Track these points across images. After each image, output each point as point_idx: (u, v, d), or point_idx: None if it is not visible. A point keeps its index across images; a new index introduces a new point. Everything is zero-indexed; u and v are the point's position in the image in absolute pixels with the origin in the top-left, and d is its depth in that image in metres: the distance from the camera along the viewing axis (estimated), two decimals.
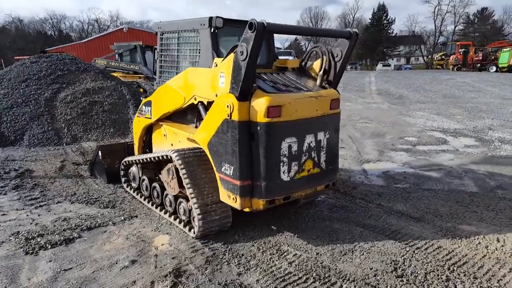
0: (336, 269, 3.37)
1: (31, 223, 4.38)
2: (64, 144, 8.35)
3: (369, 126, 10.39)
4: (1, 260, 3.59)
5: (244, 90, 3.46)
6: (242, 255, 3.66)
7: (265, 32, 3.23)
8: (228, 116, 3.57)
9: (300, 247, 3.78)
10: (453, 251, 3.65)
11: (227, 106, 3.54)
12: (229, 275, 3.31)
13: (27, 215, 4.61)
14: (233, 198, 3.69)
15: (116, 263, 3.52)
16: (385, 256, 3.57)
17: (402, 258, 3.52)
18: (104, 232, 4.18)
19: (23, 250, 3.75)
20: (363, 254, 3.63)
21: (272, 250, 3.74)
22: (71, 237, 4.03)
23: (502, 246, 3.72)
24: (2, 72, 10.25)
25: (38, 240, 3.95)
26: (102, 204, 4.95)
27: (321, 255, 3.63)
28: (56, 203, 4.99)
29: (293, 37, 70.84)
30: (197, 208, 3.85)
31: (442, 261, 3.46)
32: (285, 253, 3.67)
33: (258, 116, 3.47)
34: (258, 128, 3.49)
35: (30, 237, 4.00)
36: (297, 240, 3.94)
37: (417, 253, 3.59)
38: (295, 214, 4.57)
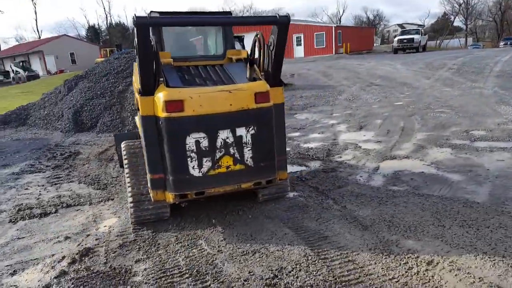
0: (219, 269, 3.35)
1: (35, 198, 5.42)
2: (126, 131, 9.66)
3: (441, 117, 9.08)
4: None
5: (144, 85, 3.65)
6: (159, 244, 3.90)
7: (147, 26, 3.33)
8: (138, 111, 3.82)
9: (212, 243, 3.83)
10: (362, 267, 3.21)
11: (136, 101, 3.79)
12: (128, 261, 3.61)
13: (40, 191, 5.69)
14: (150, 190, 3.95)
15: (57, 238, 4.17)
16: (279, 261, 3.37)
17: (293, 266, 3.27)
18: (76, 210, 4.92)
19: (9, 219, 4.73)
20: (261, 256, 3.49)
21: (186, 242, 3.88)
22: (49, 212, 4.88)
23: (427, 270, 3.10)
24: (92, 67, 12.25)
25: (26, 212, 4.91)
26: (98, 186, 5.75)
27: (221, 253, 3.62)
28: (68, 183, 6.00)
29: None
30: (130, 197, 4.22)
31: (334, 276, 3.10)
32: (193, 247, 3.77)
33: (159, 111, 3.63)
34: (160, 122, 3.65)
35: (22, 209, 4.99)
36: (218, 235, 3.98)
37: (315, 264, 3.28)
38: (246, 209, 4.55)
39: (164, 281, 3.22)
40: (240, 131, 3.83)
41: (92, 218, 4.62)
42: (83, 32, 73.31)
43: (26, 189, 5.86)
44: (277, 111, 4.14)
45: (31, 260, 3.75)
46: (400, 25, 78.35)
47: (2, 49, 61.51)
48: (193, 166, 3.75)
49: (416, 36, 29.97)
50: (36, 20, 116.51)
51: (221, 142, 3.79)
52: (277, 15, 3.74)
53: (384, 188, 5.00)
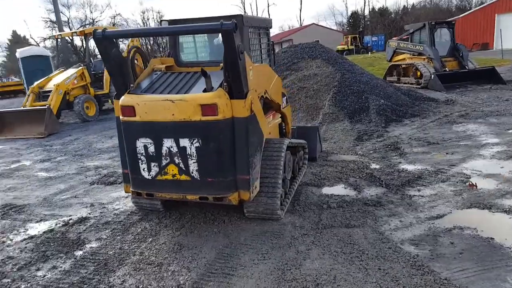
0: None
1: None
2: None
3: None
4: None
5: (116, 90, 4.19)
6: (129, 230, 4.49)
7: (101, 40, 3.83)
8: None
9: (157, 240, 4.10)
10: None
11: None
12: (81, 247, 4.40)
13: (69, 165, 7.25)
14: None
15: (84, 209, 5.39)
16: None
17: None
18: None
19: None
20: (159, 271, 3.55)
21: (145, 234, 4.31)
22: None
23: None
24: None
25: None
26: None
27: (144, 242, 3.88)
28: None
29: None
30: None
31: None
32: (144, 239, 4.17)
33: (120, 114, 4.12)
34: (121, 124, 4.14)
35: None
36: (172, 236, 4.19)
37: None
38: (226, 222, 4.48)
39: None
40: (184, 142, 3.85)
41: (124, 195, 5.60)
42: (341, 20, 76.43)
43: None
44: (239, 125, 3.86)
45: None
46: None
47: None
48: (144, 169, 4.07)
49: None
50: (300, 11, 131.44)
51: (166, 150, 3.93)
52: (221, 22, 3.47)
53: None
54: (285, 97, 6.02)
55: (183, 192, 4.03)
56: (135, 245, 4.10)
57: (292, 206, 4.78)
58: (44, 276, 3.64)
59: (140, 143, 4.00)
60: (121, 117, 4.06)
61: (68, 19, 50.98)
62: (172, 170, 3.96)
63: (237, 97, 3.84)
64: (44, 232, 4.58)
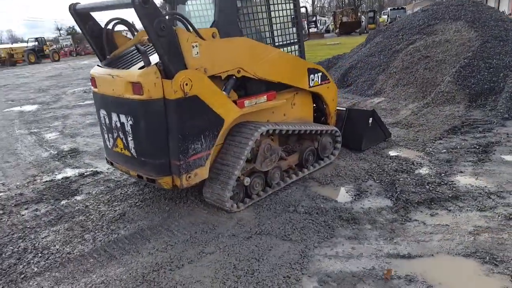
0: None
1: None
2: (363, 95, 9.32)
3: None
4: None
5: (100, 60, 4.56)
6: (115, 194, 5.04)
7: (75, 14, 4.19)
8: None
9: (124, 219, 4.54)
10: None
11: None
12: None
13: None
14: None
15: None
16: None
17: None
18: None
19: None
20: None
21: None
22: None
23: None
24: (400, 21, 11.47)
25: None
26: None
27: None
28: None
29: None
30: None
31: None
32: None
33: None
34: None
35: None
36: (142, 213, 4.54)
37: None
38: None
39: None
40: (122, 118, 3.96)
41: None
42: None
43: None
44: (170, 108, 3.72)
45: None
46: None
47: None
48: (106, 138, 4.41)
49: None
50: None
51: (114, 124, 4.13)
52: None
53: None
54: (319, 74, 5.26)
55: (127, 167, 4.21)
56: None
57: (263, 201, 4.38)
58: (24, 214, 4.52)
59: (101, 114, 4.31)
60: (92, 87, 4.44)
61: None
62: (119, 144, 4.16)
63: (167, 77, 3.66)
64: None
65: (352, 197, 4.37)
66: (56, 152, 6.85)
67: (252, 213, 4.15)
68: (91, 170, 5.79)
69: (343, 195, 4.45)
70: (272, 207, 4.25)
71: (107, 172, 5.64)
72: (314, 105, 5.61)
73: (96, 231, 4.01)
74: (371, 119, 5.73)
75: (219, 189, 4.13)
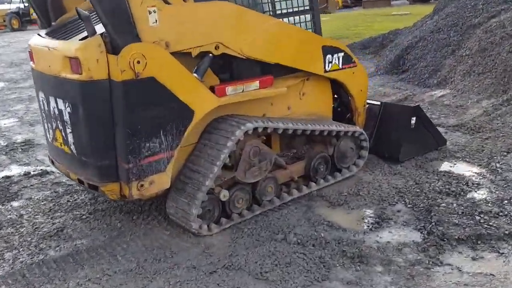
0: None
1: None
2: (422, 85, 9.01)
3: None
4: None
5: None
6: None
7: None
8: None
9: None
10: None
11: None
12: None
13: None
14: None
15: None
16: None
17: None
18: None
19: None
20: None
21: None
22: None
23: None
24: None
25: None
26: None
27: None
28: None
29: None
30: None
31: None
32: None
33: None
34: None
35: None
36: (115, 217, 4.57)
37: None
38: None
39: None
40: (60, 104, 3.94)
41: None
42: None
43: None
44: (115, 92, 3.65)
45: None
46: None
47: None
48: (46, 129, 4.41)
49: None
50: None
51: (53, 111, 4.11)
52: None
53: None
54: (340, 54, 5.04)
55: (66, 168, 4.21)
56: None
57: (247, 224, 4.26)
58: None
59: (40, 97, 4.32)
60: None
61: None
62: (58, 137, 4.15)
63: (114, 52, 3.58)
64: None
65: (368, 226, 4.16)
66: (5, 144, 7.04)
67: (228, 239, 4.05)
68: (40, 169, 5.88)
69: (356, 223, 4.25)
70: (255, 232, 4.13)
71: (59, 173, 5.68)
72: (336, 96, 5.42)
73: (21, 249, 4.03)
74: (414, 118, 5.45)
75: (184, 203, 4.02)
